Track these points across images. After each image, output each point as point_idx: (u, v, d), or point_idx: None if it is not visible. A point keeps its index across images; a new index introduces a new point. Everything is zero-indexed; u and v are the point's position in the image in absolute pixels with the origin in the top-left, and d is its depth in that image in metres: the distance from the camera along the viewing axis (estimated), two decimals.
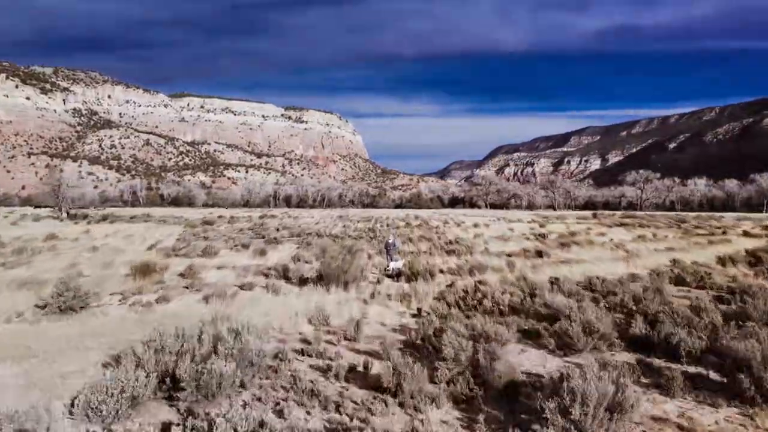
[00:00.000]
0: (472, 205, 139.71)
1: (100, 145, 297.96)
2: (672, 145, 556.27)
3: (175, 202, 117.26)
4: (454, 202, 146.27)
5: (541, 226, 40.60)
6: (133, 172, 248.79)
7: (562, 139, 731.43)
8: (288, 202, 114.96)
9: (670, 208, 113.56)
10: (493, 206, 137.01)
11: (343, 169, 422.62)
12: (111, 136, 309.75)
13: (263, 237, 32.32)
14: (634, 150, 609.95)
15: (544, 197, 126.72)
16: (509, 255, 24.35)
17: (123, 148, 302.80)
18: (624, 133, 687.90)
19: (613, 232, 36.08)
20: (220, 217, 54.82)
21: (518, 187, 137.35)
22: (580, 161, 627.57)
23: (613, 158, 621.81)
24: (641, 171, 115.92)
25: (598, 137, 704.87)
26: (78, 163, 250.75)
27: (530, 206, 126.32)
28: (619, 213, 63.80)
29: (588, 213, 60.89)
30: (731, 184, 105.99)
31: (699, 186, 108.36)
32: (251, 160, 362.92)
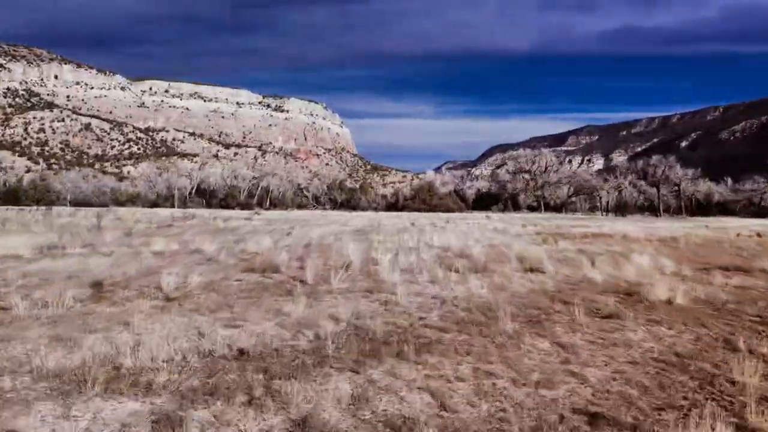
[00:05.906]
0: (515, 205, 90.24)
1: (25, 129, 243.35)
2: (684, 144, 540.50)
3: (12, 198, 66.32)
4: (484, 202, 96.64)
5: None
6: (53, 161, 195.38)
7: (560, 138, 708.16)
8: (210, 197, 65.10)
9: None
10: (547, 207, 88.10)
11: (327, 163, 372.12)
12: (41, 119, 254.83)
13: None
14: (639, 149, 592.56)
15: (640, 194, 78.22)
16: None
17: (54, 132, 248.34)
18: (624, 132, 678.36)
19: None
20: None
21: (590, 175, 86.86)
22: (582, 160, 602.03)
23: (618, 157, 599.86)
24: None
25: (597, 137, 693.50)
26: None
27: (619, 209, 76.86)
28: None
29: None
30: None
31: None
32: (217, 150, 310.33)
